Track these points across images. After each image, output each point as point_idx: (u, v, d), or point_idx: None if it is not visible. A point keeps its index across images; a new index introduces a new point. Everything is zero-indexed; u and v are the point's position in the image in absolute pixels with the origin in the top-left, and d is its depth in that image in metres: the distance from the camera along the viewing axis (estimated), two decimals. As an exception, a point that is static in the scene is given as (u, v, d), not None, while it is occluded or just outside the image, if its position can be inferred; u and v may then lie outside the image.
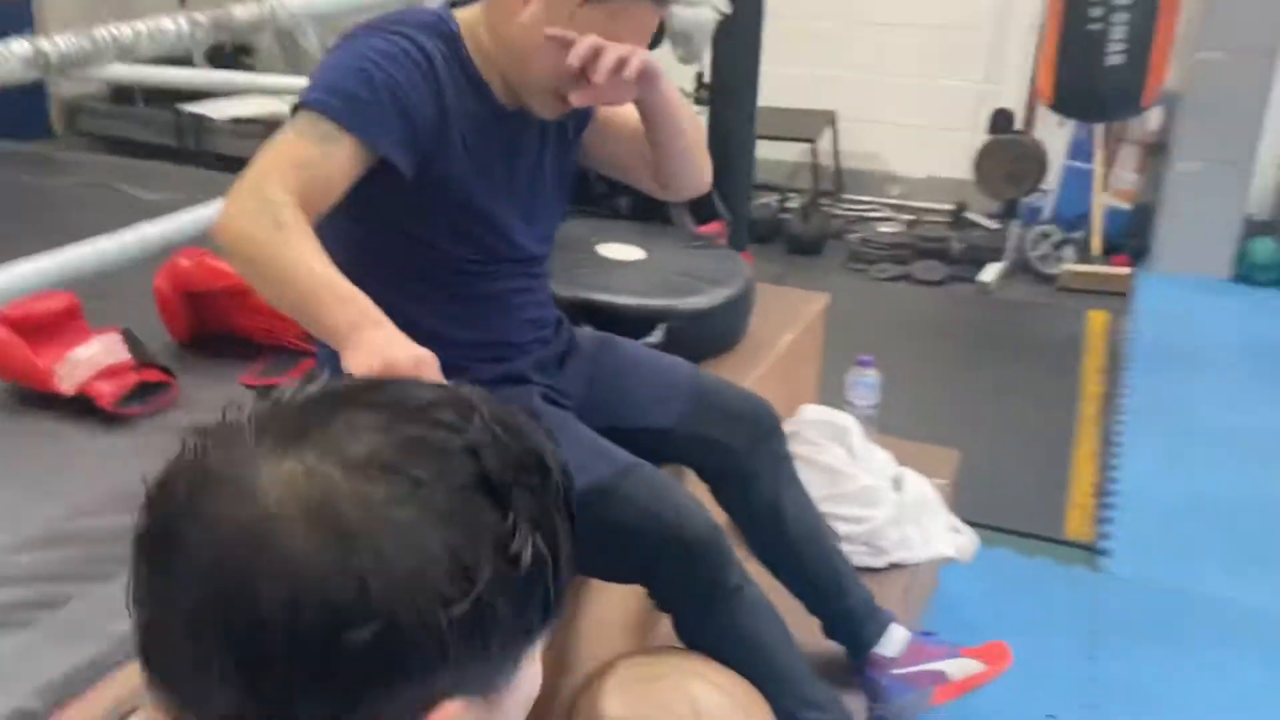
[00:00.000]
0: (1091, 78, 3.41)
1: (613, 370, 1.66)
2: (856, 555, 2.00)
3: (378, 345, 1.09)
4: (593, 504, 1.35)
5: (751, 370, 2.07)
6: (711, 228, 2.47)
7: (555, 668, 1.45)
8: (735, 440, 1.65)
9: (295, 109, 1.28)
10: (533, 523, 0.57)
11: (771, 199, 5.27)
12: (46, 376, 1.66)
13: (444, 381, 0.71)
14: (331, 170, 1.27)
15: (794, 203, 5.21)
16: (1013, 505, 2.92)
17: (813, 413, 2.24)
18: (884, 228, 5.15)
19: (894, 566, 2.03)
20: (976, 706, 2.14)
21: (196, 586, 0.52)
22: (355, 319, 1.13)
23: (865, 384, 2.36)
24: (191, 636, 0.52)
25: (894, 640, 1.70)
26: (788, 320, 2.31)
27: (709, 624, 1.40)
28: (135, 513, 0.55)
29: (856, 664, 1.71)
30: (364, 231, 1.39)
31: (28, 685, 1.10)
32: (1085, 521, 2.88)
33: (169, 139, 5.45)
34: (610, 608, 1.57)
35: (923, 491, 2.12)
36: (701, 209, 2.48)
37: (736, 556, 1.41)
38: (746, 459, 1.65)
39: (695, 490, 1.64)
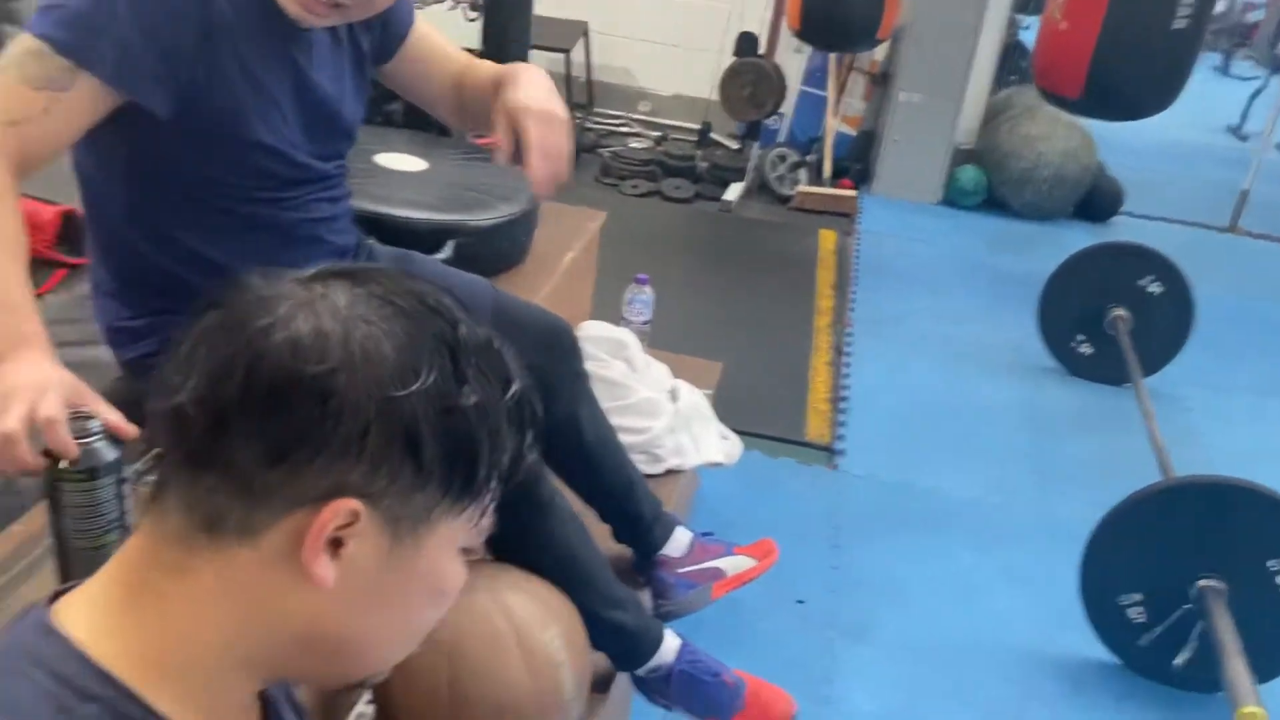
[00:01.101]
0: (835, 8, 3.62)
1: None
2: (637, 463, 2.11)
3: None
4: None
5: (539, 287, 2.11)
6: (491, 140, 2.45)
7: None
8: (534, 357, 1.64)
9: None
10: (479, 399, 0.63)
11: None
12: None
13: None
14: (59, 123, 1.18)
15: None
16: (761, 411, 3.14)
17: (594, 328, 2.31)
18: (635, 143, 5.25)
19: (670, 472, 2.15)
20: (737, 597, 2.34)
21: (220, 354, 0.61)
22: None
23: (641, 300, 2.45)
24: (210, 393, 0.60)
25: (678, 542, 1.82)
26: (569, 237, 2.36)
27: (522, 537, 1.44)
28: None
29: (644, 564, 1.82)
30: (129, 169, 1.29)
31: None
32: (823, 425, 3.15)
33: None
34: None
35: (695, 401, 2.25)
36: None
37: (546, 471, 1.47)
38: (545, 375, 1.66)
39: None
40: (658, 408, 2.14)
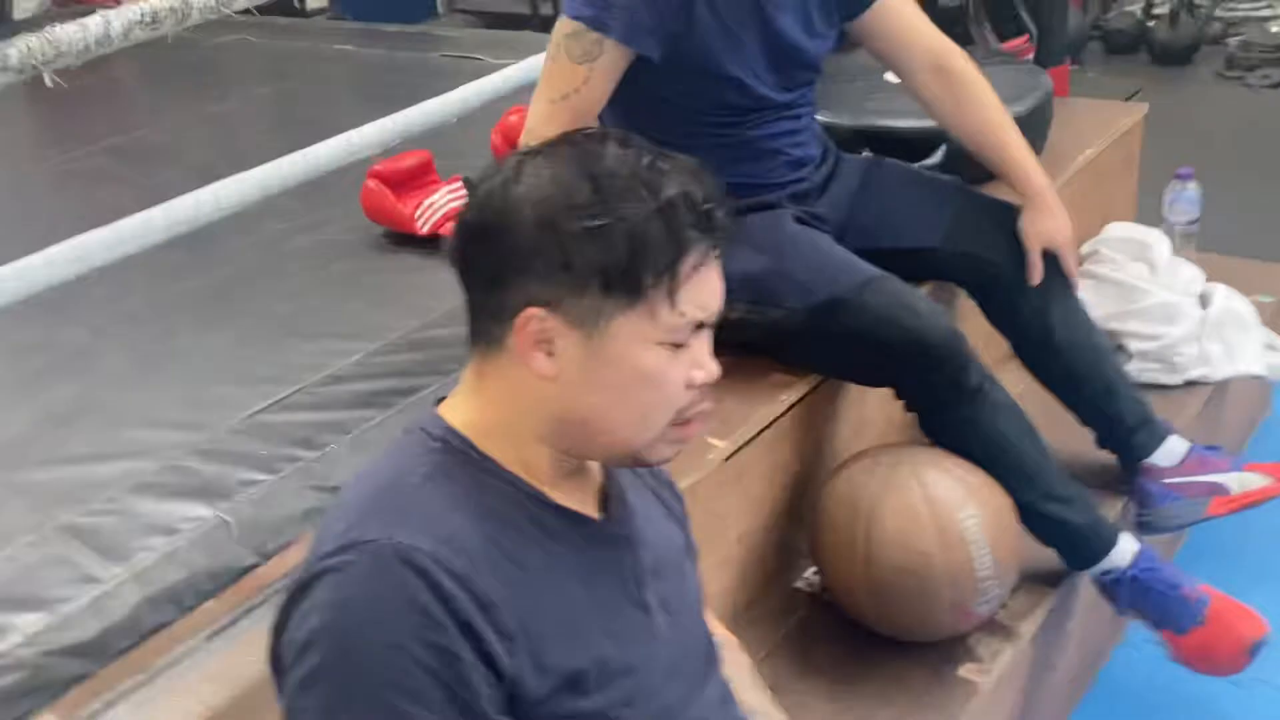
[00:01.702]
0: None
1: (878, 193, 1.75)
2: (1149, 372, 1.98)
3: None
4: (836, 312, 1.49)
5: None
6: (1015, 43, 2.41)
7: (820, 460, 1.63)
8: (999, 256, 1.69)
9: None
10: (619, 216, 0.79)
11: (1137, 5, 4.81)
12: (408, 220, 2.04)
13: None
14: (597, 88, 1.48)
15: (1163, 8, 4.72)
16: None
17: (1117, 230, 2.19)
18: (1275, 27, 4.55)
19: (1191, 384, 1.98)
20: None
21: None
22: None
23: (1185, 198, 2.25)
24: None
25: (1169, 451, 1.70)
26: (1092, 135, 2.24)
27: (949, 422, 1.50)
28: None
29: (1129, 472, 1.74)
30: (623, 98, 1.56)
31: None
32: None
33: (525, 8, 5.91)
34: (873, 408, 1.71)
35: (1234, 308, 2.02)
36: (1006, 23, 2.42)
37: (977, 359, 1.49)
38: (1011, 274, 1.70)
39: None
40: (1177, 313, 1.97)
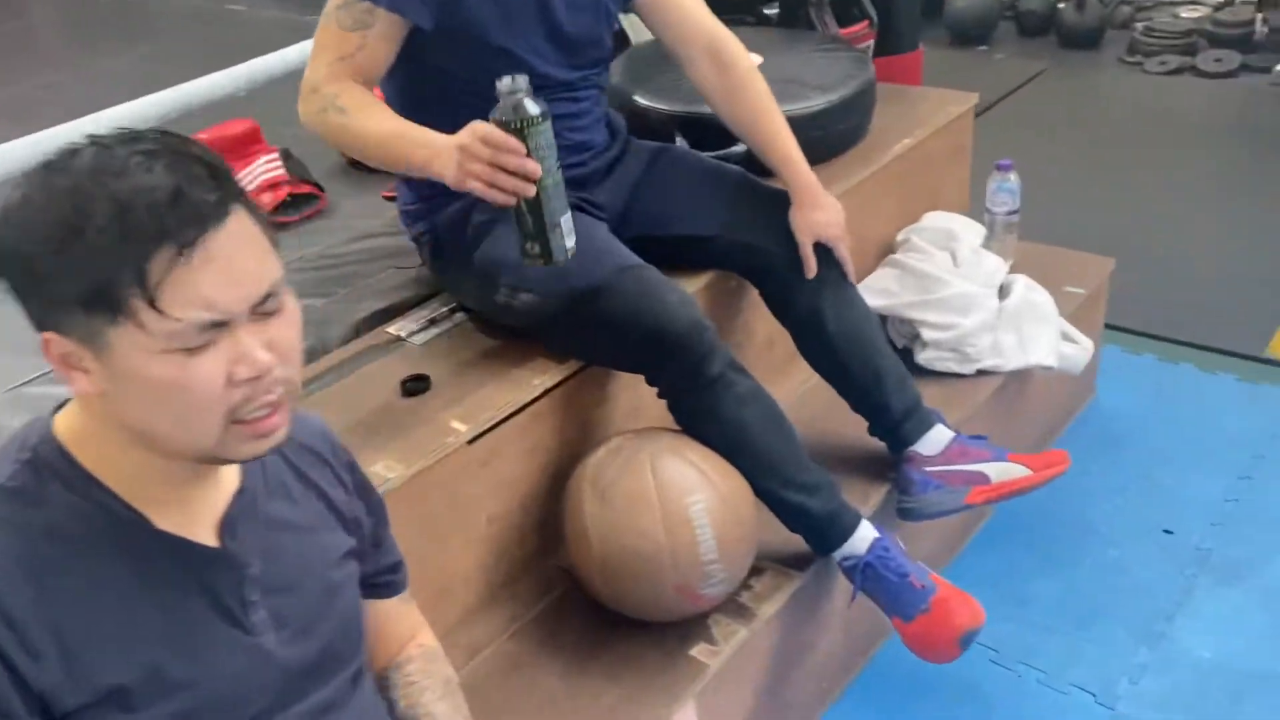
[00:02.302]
0: None
1: (663, 180, 1.78)
2: (943, 361, 2.03)
3: (453, 158, 1.33)
4: (589, 300, 1.52)
5: (851, 176, 2.09)
6: (854, 29, 2.42)
7: (588, 442, 1.66)
8: (774, 247, 1.72)
9: None
10: (62, 237, 0.76)
11: (1049, -12, 4.83)
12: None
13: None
14: (372, 52, 1.50)
15: (1073, -9, 4.74)
16: (1209, 317, 2.70)
17: (932, 219, 2.22)
18: (1186, 12, 4.58)
19: (983, 373, 2.03)
20: (1090, 516, 2.14)
21: None
22: (427, 155, 1.39)
23: (1006, 189, 2.28)
24: None
25: (933, 440, 1.75)
26: (917, 123, 2.27)
27: (692, 409, 1.53)
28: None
29: (895, 461, 1.78)
30: (404, 72, 1.58)
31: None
32: (1299, 338, 2.62)
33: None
34: (648, 392, 1.74)
35: (1032, 299, 2.07)
36: (848, 8, 2.43)
37: (722, 350, 1.52)
38: (786, 268, 1.73)
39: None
40: (973, 303, 2.01)
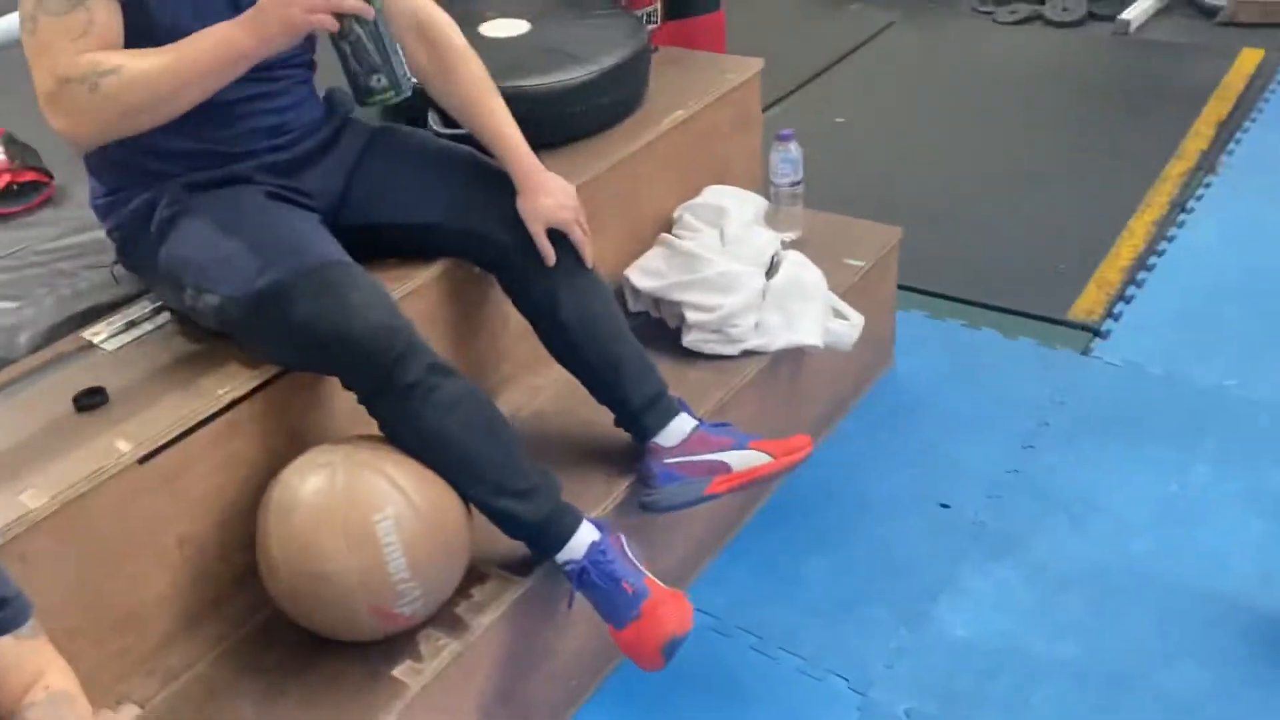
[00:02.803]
0: None
1: (382, 165, 1.67)
2: (708, 343, 1.97)
3: (276, 13, 1.35)
4: (273, 301, 1.42)
5: (619, 150, 2.00)
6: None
7: (298, 452, 1.55)
8: (504, 234, 1.64)
9: None
10: None
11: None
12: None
13: None
14: (102, 19, 1.38)
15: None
16: (1017, 282, 2.68)
17: (707, 195, 2.15)
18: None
19: (748, 354, 1.97)
20: (869, 492, 2.11)
21: None
22: (237, 34, 1.37)
23: (787, 160, 2.22)
24: None
25: (674, 431, 1.69)
26: (692, 94, 2.19)
27: (388, 416, 1.44)
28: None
29: (638, 453, 1.73)
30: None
31: None
32: (1099, 299, 2.61)
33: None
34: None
35: (800, 276, 2.01)
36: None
37: (422, 353, 1.43)
38: (517, 255, 1.65)
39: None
40: (736, 283, 1.95)
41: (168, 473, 1.43)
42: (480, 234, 1.65)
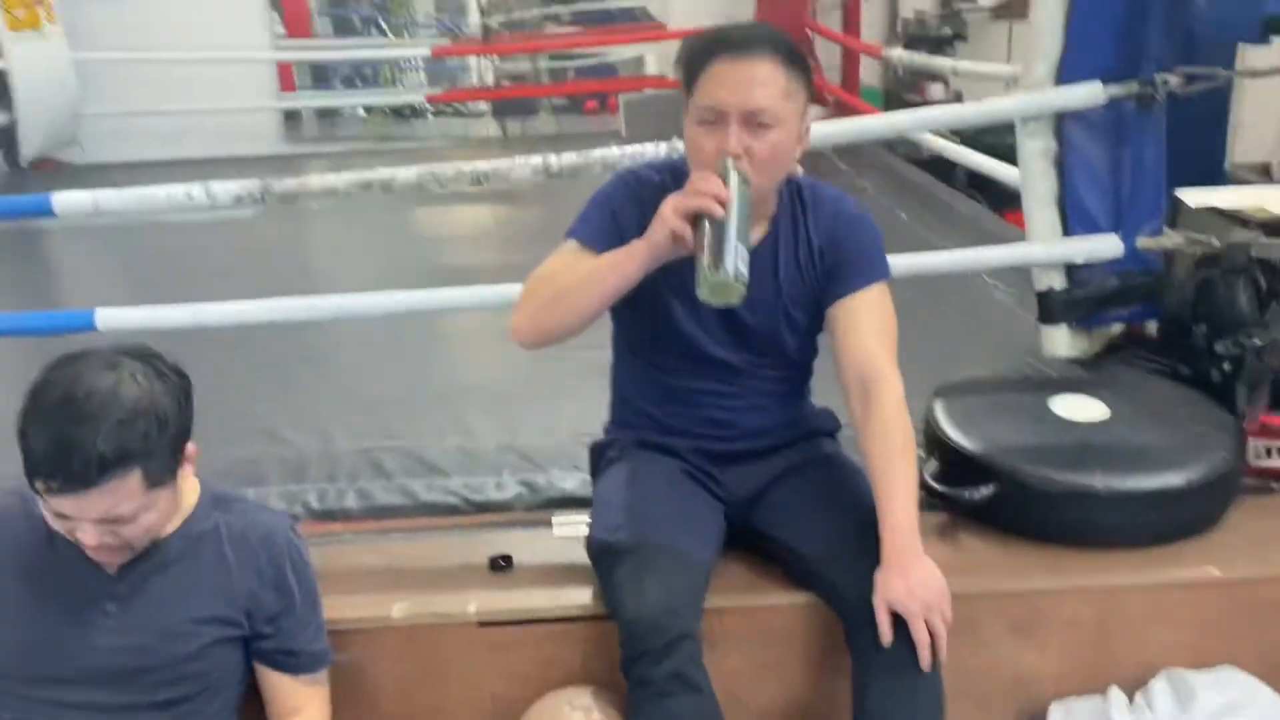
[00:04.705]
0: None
1: (798, 483, 1.78)
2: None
3: (665, 218, 1.55)
4: (604, 555, 1.68)
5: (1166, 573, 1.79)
6: (1273, 418, 1.91)
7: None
8: (852, 596, 1.61)
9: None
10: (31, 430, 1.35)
11: None
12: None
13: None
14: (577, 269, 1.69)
15: None
16: None
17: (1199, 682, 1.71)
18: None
19: None
20: None
21: None
22: (636, 246, 1.60)
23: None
24: None
25: None
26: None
27: (628, 695, 1.54)
28: None
29: None
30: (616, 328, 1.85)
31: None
32: None
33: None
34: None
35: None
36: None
37: (680, 657, 1.50)
38: (857, 620, 1.60)
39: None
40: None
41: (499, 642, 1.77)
42: (837, 586, 1.67)
